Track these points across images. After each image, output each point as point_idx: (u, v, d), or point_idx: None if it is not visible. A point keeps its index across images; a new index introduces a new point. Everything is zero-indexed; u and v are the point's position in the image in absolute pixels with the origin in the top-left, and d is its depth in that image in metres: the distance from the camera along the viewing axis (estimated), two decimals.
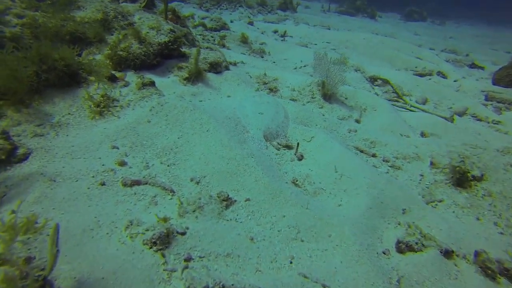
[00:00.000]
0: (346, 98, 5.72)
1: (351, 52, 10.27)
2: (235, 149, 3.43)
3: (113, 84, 4.47)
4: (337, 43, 11.54)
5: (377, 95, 6.63)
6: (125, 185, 2.85)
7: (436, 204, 3.54)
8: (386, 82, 6.69)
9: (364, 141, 4.39)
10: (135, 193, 2.82)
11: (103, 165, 3.09)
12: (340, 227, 2.78)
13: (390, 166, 3.99)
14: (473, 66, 10.64)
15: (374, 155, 4.15)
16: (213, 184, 3.07)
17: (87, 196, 2.71)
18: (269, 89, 5.81)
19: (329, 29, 14.41)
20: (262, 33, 11.45)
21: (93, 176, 2.92)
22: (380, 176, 3.57)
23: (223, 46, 8.92)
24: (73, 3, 5.78)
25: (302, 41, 11.13)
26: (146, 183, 2.92)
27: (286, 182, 3.36)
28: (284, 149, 3.95)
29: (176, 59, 5.91)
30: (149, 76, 5.25)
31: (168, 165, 3.26)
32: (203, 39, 8.90)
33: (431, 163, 4.04)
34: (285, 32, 11.70)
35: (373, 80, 7.44)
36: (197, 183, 3.06)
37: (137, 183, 2.89)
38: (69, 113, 3.80)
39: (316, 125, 4.57)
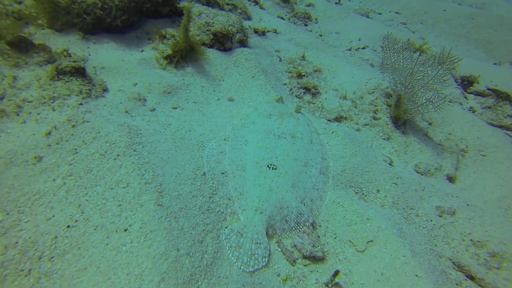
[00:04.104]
0: (430, 124, 3.37)
1: (428, 30, 7.50)
2: None
3: (18, 58, 2.41)
4: (409, 14, 8.61)
5: (474, 112, 4.15)
6: None
7: None
8: (501, 96, 4.08)
9: (475, 247, 2.16)
10: None
11: None
12: None
13: None
14: None
15: None
16: None
17: None
18: (305, 88, 3.55)
19: None
20: None
21: None
22: None
23: (256, 3, 6.53)
24: None
25: (363, 8, 8.38)
26: None
27: None
28: (306, 265, 1.82)
29: (166, 19, 3.74)
30: (110, 45, 3.15)
31: None
32: None
33: None
34: None
35: (466, 82, 4.88)
36: None
37: None
38: None
39: (378, 191, 2.36)
